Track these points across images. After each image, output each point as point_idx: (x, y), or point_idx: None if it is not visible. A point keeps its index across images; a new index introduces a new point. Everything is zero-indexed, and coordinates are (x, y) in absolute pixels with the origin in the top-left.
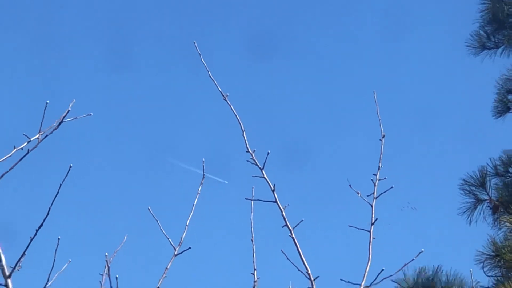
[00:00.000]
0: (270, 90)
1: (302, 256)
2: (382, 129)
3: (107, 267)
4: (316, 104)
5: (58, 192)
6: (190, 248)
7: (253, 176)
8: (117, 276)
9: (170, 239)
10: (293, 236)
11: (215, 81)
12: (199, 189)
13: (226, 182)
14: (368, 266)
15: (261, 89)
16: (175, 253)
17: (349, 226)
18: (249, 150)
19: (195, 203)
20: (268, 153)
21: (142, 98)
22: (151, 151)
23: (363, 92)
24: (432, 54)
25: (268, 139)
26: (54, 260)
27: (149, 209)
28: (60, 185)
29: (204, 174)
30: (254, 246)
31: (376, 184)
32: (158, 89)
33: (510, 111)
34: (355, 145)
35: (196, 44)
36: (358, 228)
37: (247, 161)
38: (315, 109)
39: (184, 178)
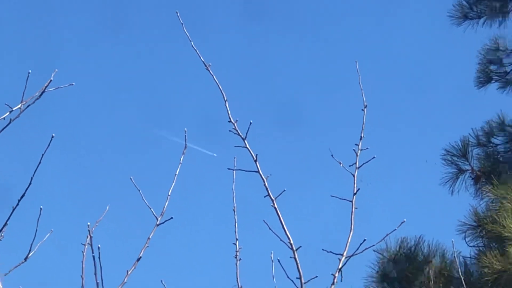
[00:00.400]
0: (258, 53)
1: (284, 226)
2: (364, 99)
3: (89, 236)
4: (303, 72)
5: (40, 162)
6: (172, 218)
7: (235, 146)
8: (99, 246)
9: (152, 209)
10: (275, 206)
11: (197, 51)
12: (181, 159)
13: (215, 155)
14: (350, 236)
15: (250, 52)
16: (157, 223)
17: (331, 196)
18: (232, 120)
19: (177, 173)
20: (251, 123)
21: (128, 68)
22: (136, 121)
23: (348, 62)
24: (415, 25)
25: (253, 107)
26: (36, 230)
27: (131, 179)
28: (42, 155)
29: (186, 144)
30: (236, 216)
31: (358, 154)
32: (144, 58)
33: (492, 82)
34: (339, 114)
35: (178, 14)
36: (340, 198)
37: (230, 131)
38: (302, 77)
39: (169, 148)
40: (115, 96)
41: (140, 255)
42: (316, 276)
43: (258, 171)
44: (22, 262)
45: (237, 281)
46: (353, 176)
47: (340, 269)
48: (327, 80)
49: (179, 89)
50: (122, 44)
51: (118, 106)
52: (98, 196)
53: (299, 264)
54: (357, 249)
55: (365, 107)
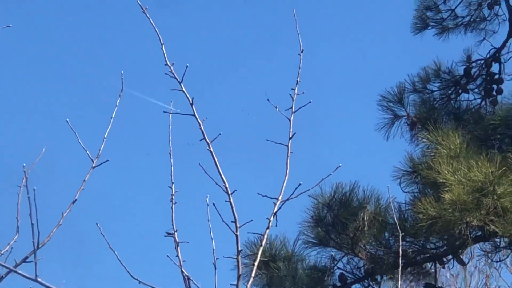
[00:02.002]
0: None
1: (220, 170)
2: (301, 43)
3: (25, 178)
4: (239, 17)
5: None
6: (108, 160)
7: (171, 90)
8: (34, 188)
9: (88, 152)
10: (211, 149)
11: None
12: (118, 102)
13: (156, 102)
14: (286, 181)
15: None
16: (93, 165)
17: (267, 140)
18: (168, 63)
19: (113, 116)
20: (187, 67)
21: (68, 13)
22: (74, 66)
23: (285, 7)
24: None
25: (190, 51)
26: None
27: (67, 121)
28: None
29: (122, 88)
30: (172, 159)
31: (294, 98)
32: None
33: (429, 28)
34: (276, 59)
35: None
36: (276, 143)
37: (166, 74)
38: (238, 23)
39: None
40: (54, 39)
41: (76, 197)
42: (251, 220)
43: (194, 115)
44: None
45: (172, 224)
46: (289, 120)
47: (275, 213)
48: (264, 25)
49: (117, 33)
50: None
51: (57, 49)
52: (33, 138)
53: (234, 208)
54: (292, 193)
55: (302, 52)
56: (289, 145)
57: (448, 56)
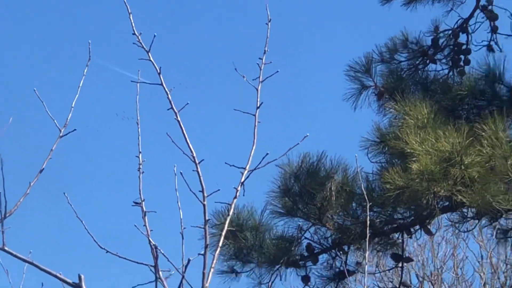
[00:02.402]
0: None
1: (187, 139)
2: (268, 13)
3: None
4: None
5: None
6: (75, 130)
7: (139, 59)
8: (2, 158)
9: (55, 121)
10: (179, 118)
11: None
12: (85, 71)
13: (136, 79)
14: (253, 150)
15: None
16: (60, 134)
17: (235, 109)
18: (136, 32)
19: (80, 85)
20: (155, 36)
21: None
22: (41, 36)
23: None
24: None
25: (158, 20)
26: None
27: (34, 90)
28: None
29: (90, 57)
30: (139, 129)
31: (262, 68)
32: None
33: None
34: (244, 29)
35: None
36: (244, 112)
37: (134, 43)
38: None
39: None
40: (22, 6)
41: (43, 166)
42: (219, 190)
43: (161, 84)
44: None
45: (139, 194)
46: (257, 90)
47: (242, 183)
48: None
49: (85, 2)
50: None
51: (23, 17)
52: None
53: (201, 177)
54: (260, 163)
55: (269, 21)
56: (257, 114)
57: (416, 27)
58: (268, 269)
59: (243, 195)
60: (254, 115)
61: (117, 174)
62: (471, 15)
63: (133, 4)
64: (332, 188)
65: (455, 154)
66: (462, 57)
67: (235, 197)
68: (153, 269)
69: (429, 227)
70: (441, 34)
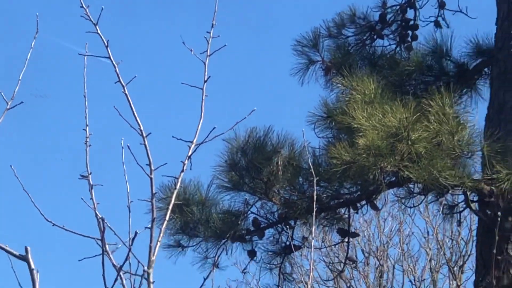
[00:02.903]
0: None
1: (135, 113)
2: None
3: None
4: None
5: None
6: (22, 102)
7: (86, 32)
8: None
9: (2, 93)
10: (126, 92)
11: None
12: (32, 44)
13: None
14: (200, 124)
15: None
16: (7, 107)
17: (182, 83)
18: (83, 5)
19: (28, 58)
20: (102, 9)
21: None
22: None
23: None
24: None
25: None
26: None
27: None
28: None
29: (37, 29)
30: (86, 102)
31: (210, 42)
32: None
33: None
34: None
35: None
36: (191, 86)
37: (81, 16)
38: None
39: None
40: None
41: None
42: (166, 163)
43: (109, 57)
44: None
45: (86, 167)
46: (204, 63)
47: (189, 157)
48: None
49: None
50: None
51: None
52: None
53: (149, 151)
54: (207, 137)
55: None
56: (204, 88)
57: (364, 2)
58: (214, 243)
59: (190, 169)
60: (202, 89)
61: (64, 147)
62: None
63: None
64: (279, 163)
65: (402, 129)
66: (410, 32)
67: (182, 171)
68: (99, 242)
69: (375, 202)
70: (389, 10)
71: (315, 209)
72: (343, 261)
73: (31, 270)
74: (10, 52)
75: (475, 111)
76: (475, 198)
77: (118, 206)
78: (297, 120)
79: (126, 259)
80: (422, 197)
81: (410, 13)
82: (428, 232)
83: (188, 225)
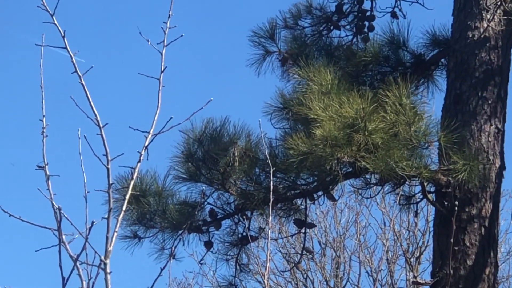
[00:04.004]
0: None
1: (92, 103)
2: None
3: None
4: None
5: None
6: None
7: (43, 22)
8: None
9: None
10: (83, 82)
11: None
12: None
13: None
14: (157, 114)
15: None
16: None
17: (139, 73)
18: None
19: None
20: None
21: None
22: None
23: None
24: None
25: None
26: None
27: None
28: None
29: None
30: (43, 93)
31: (166, 32)
32: None
33: None
34: None
35: None
36: (148, 76)
37: (38, 6)
38: None
39: None
40: None
41: None
42: (123, 154)
43: (66, 47)
44: None
45: (43, 157)
46: (161, 54)
47: (146, 147)
48: None
49: None
50: None
51: None
52: None
53: (105, 141)
54: (163, 127)
55: None
56: (161, 78)
57: None
58: (171, 234)
59: (147, 159)
60: (158, 79)
61: (21, 137)
62: None
63: None
64: (235, 154)
65: (359, 120)
66: (366, 23)
67: (139, 161)
68: (56, 232)
69: (332, 193)
70: (345, 0)
71: (271, 200)
72: (300, 252)
73: None
74: None
75: (432, 102)
76: (432, 189)
77: (75, 196)
78: (253, 111)
79: (82, 249)
80: (379, 188)
81: (367, 4)
82: (385, 223)
83: (145, 216)
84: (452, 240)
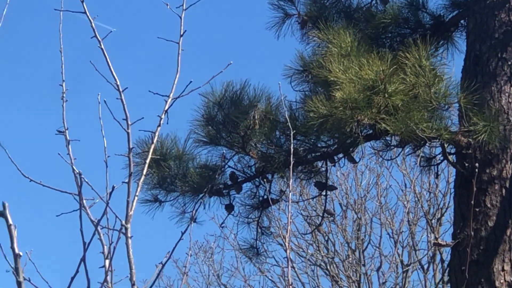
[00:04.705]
0: None
1: (111, 67)
2: None
3: None
4: None
5: None
6: None
7: None
8: None
9: None
10: (102, 46)
11: None
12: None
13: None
14: (177, 78)
15: None
16: None
17: (158, 37)
18: None
19: (4, 13)
20: None
21: None
22: None
23: None
24: None
25: None
26: None
27: None
28: None
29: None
30: (62, 57)
31: None
32: None
33: None
34: None
35: None
36: (167, 40)
37: None
38: None
39: None
40: None
41: None
42: (143, 118)
43: (85, 12)
44: None
45: (63, 122)
46: (180, 17)
47: (166, 111)
48: None
49: None
50: None
51: None
52: None
53: (125, 106)
54: (183, 91)
55: None
56: (180, 42)
57: None
58: (191, 198)
59: (167, 123)
60: (178, 43)
61: (40, 102)
62: None
63: None
64: (256, 117)
65: (379, 82)
66: None
67: (159, 125)
68: (77, 197)
69: (352, 155)
70: None
71: (292, 163)
72: (321, 214)
73: (8, 226)
74: None
75: (452, 63)
76: (453, 150)
77: (95, 161)
78: (273, 74)
79: (103, 214)
80: (399, 149)
81: None
82: (405, 184)
83: (166, 180)
84: (473, 202)
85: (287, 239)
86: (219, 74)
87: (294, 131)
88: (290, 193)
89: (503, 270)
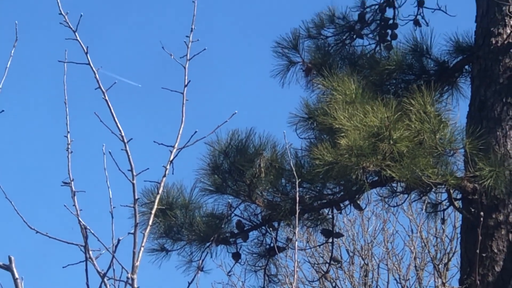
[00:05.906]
0: None
1: (115, 118)
2: None
3: None
4: None
5: None
6: (3, 111)
7: (66, 39)
8: None
9: None
10: (106, 98)
11: None
12: (12, 52)
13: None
14: (181, 128)
15: None
16: None
17: (162, 88)
18: (62, 12)
19: (8, 66)
20: (81, 16)
21: None
22: None
23: None
24: None
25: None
26: None
27: None
28: None
29: (17, 37)
30: (67, 109)
31: (189, 46)
32: None
33: None
34: (170, 6)
35: None
36: (171, 90)
37: (61, 23)
38: None
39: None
40: None
41: None
42: (148, 168)
43: (89, 63)
44: None
45: (68, 173)
46: (184, 68)
47: (171, 161)
48: None
49: None
50: None
51: None
52: None
53: (130, 156)
54: (188, 141)
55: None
56: (185, 92)
57: (343, 2)
58: (198, 246)
59: (172, 173)
60: (182, 93)
61: (46, 154)
62: None
63: None
64: (261, 165)
65: (384, 129)
66: (389, 31)
67: (164, 176)
68: (83, 249)
69: (358, 202)
70: (368, 9)
71: (298, 210)
72: (328, 261)
73: (15, 280)
74: None
75: (457, 109)
76: (459, 196)
77: (101, 212)
78: (278, 122)
79: (110, 265)
80: (405, 195)
81: (389, 12)
82: (412, 230)
83: (172, 229)
84: (478, 247)
85: (293, 287)
86: (224, 123)
87: (300, 179)
88: (297, 241)
89: None
